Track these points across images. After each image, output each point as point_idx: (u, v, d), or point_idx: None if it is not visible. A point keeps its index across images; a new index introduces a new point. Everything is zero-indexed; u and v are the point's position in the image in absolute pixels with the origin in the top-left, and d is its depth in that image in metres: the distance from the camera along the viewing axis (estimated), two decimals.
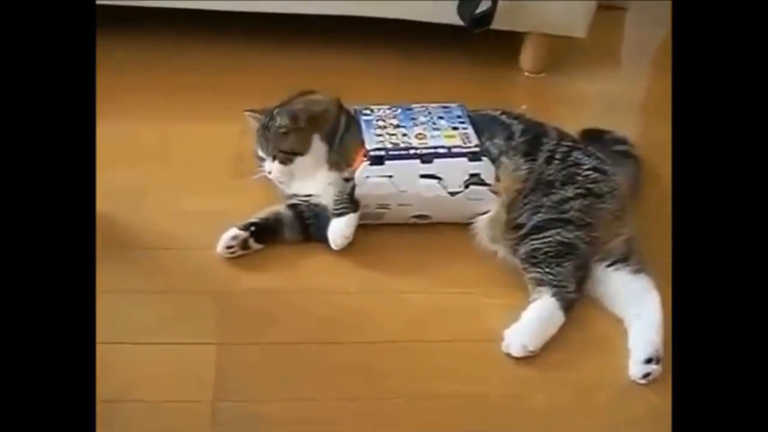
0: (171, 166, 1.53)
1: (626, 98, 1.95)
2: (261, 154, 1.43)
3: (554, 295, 1.25)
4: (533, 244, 1.29)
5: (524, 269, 1.30)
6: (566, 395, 1.18)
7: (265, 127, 1.42)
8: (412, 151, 1.37)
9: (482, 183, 1.36)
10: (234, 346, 1.21)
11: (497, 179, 1.36)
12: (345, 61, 1.87)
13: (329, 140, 1.41)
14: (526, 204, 1.33)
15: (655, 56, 2.16)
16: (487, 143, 1.38)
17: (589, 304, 1.29)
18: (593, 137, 1.55)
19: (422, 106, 1.48)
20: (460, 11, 1.70)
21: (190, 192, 1.46)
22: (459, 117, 1.44)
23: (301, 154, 1.40)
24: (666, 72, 2.01)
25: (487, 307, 1.30)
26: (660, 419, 1.15)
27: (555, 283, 1.26)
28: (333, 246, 1.34)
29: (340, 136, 1.42)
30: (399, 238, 1.40)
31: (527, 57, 1.88)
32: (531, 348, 1.20)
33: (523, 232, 1.31)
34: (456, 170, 1.36)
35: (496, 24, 1.74)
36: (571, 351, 1.23)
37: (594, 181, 1.34)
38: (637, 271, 1.29)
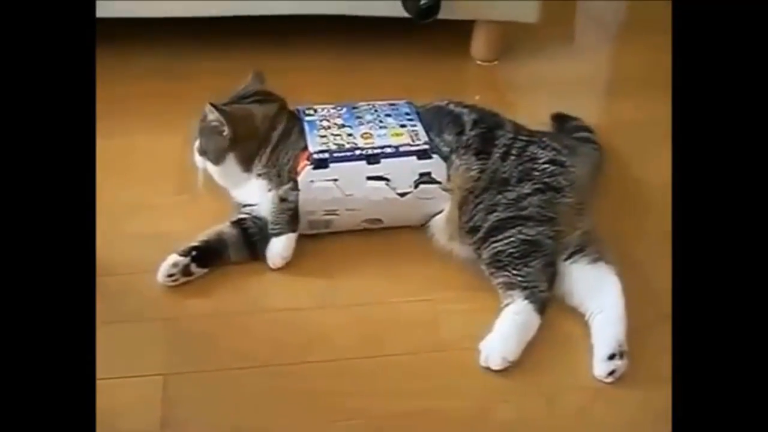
0: (109, 184, 1.43)
1: (581, 81, 1.89)
2: (196, 147, 1.37)
3: (527, 297, 1.19)
4: (495, 247, 1.23)
5: (491, 274, 1.23)
6: (535, 403, 1.14)
7: (202, 119, 1.34)
8: (357, 152, 1.30)
9: (433, 181, 1.30)
10: (181, 376, 1.14)
11: (449, 178, 1.30)
12: (292, 60, 1.78)
13: (249, 157, 1.33)
14: (478, 204, 1.27)
15: (609, 35, 2.12)
16: (437, 139, 1.32)
17: (552, 303, 1.24)
18: (560, 121, 1.52)
19: (368, 104, 1.41)
20: (406, 3, 1.63)
21: (131, 212, 1.39)
22: (407, 114, 1.38)
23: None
24: (623, 49, 2.03)
25: (446, 315, 1.25)
26: (633, 423, 1.12)
27: (525, 284, 1.20)
28: (271, 266, 1.28)
29: (272, 147, 1.32)
30: (351, 246, 1.34)
31: (478, 46, 1.82)
32: (511, 359, 1.15)
33: (480, 235, 1.25)
34: (405, 170, 1.29)
35: (444, 14, 1.67)
36: (536, 354, 1.18)
37: (552, 175, 1.28)
38: (595, 260, 1.24)
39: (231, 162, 1.33)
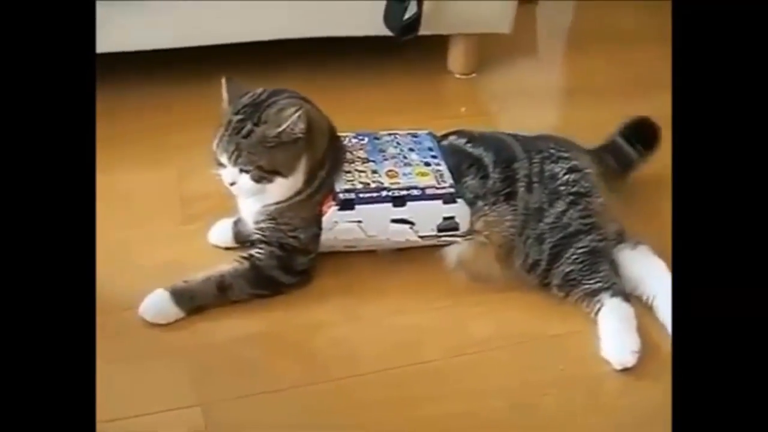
0: (114, 220, 1.39)
1: (552, 86, 1.97)
2: (222, 159, 1.23)
3: (613, 295, 1.23)
4: (562, 270, 1.25)
5: (567, 293, 1.26)
6: (576, 394, 1.15)
7: (236, 129, 1.20)
8: (384, 193, 1.26)
9: (455, 228, 1.29)
10: (220, 404, 1.11)
11: (478, 227, 1.29)
12: (274, 83, 1.79)
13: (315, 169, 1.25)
14: (526, 240, 1.27)
15: (567, 42, 2.20)
16: (462, 182, 1.30)
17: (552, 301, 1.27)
18: None
19: (390, 134, 1.38)
20: (388, 20, 1.66)
21: (140, 244, 1.35)
22: (430, 149, 1.35)
23: (284, 175, 1.23)
24: (580, 54, 2.10)
25: (473, 318, 1.26)
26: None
27: (606, 286, 1.24)
28: None
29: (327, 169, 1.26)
30: (369, 263, 1.32)
31: (456, 59, 1.86)
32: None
33: (543, 266, 1.27)
34: (429, 214, 1.27)
35: (421, 30, 1.70)
36: (571, 346, 1.21)
37: (575, 183, 1.30)
38: (636, 245, 1.30)
39: (302, 165, 1.23)
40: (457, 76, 1.87)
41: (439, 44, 1.86)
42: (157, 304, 1.21)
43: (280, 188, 1.24)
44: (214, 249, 1.35)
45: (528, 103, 1.83)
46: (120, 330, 1.20)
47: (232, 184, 1.23)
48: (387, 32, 1.68)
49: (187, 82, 1.74)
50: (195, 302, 1.22)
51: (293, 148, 1.22)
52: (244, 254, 1.26)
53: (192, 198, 1.45)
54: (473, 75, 1.87)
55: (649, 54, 1.91)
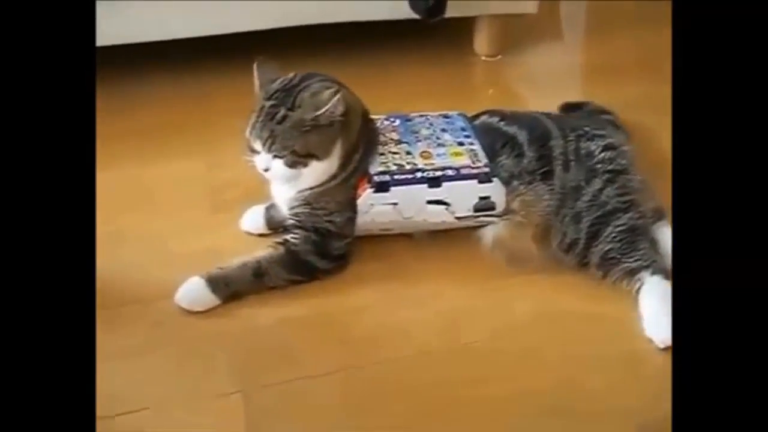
0: (147, 211, 1.40)
1: (577, 66, 1.95)
2: (256, 146, 1.21)
3: (653, 273, 1.20)
4: (601, 249, 1.23)
5: (606, 273, 1.23)
6: (621, 373, 1.13)
7: (269, 114, 1.19)
8: (419, 175, 1.24)
9: (491, 208, 1.27)
10: (261, 390, 1.10)
11: (515, 206, 1.27)
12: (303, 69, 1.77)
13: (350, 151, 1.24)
14: (564, 219, 1.25)
15: (589, 23, 2.17)
16: (496, 161, 1.27)
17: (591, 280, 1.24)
18: (575, 109, 1.51)
19: (422, 116, 1.36)
20: (414, 3, 1.64)
21: (173, 234, 1.34)
22: (463, 129, 1.33)
23: (319, 158, 1.22)
24: (602, 35, 2.07)
25: (516, 300, 1.24)
26: None
27: (646, 264, 1.21)
28: None
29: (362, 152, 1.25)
30: (406, 243, 1.31)
31: (482, 41, 1.84)
32: None
33: (581, 246, 1.24)
34: (465, 194, 1.26)
35: (447, 12, 1.68)
36: (610, 326, 1.19)
37: (611, 161, 1.28)
38: None
39: (337, 150, 1.22)
40: (484, 58, 1.85)
41: (464, 27, 1.84)
42: (193, 291, 1.19)
43: (315, 172, 1.22)
44: (247, 236, 1.34)
45: (555, 84, 1.81)
46: (158, 319, 1.19)
47: (266, 170, 1.22)
48: (413, 16, 1.67)
49: (214, 73, 1.74)
50: (231, 289, 1.20)
51: (329, 131, 1.20)
52: (279, 240, 1.25)
53: (222, 187, 1.45)
54: (499, 57, 1.85)
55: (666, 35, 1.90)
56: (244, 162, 1.25)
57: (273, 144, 1.19)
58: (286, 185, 1.25)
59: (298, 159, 1.20)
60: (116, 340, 1.15)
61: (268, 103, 1.20)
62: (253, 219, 1.35)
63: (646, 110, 1.62)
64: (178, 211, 1.40)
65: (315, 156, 1.20)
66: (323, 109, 1.18)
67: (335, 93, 1.18)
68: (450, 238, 1.31)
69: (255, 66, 1.25)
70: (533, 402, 1.09)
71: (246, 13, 1.63)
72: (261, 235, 1.34)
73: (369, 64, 1.79)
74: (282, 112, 1.19)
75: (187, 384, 1.11)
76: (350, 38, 1.80)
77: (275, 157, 1.20)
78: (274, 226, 1.33)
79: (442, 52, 1.84)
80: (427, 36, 1.81)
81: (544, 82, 1.83)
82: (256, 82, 1.25)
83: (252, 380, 1.11)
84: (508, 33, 1.86)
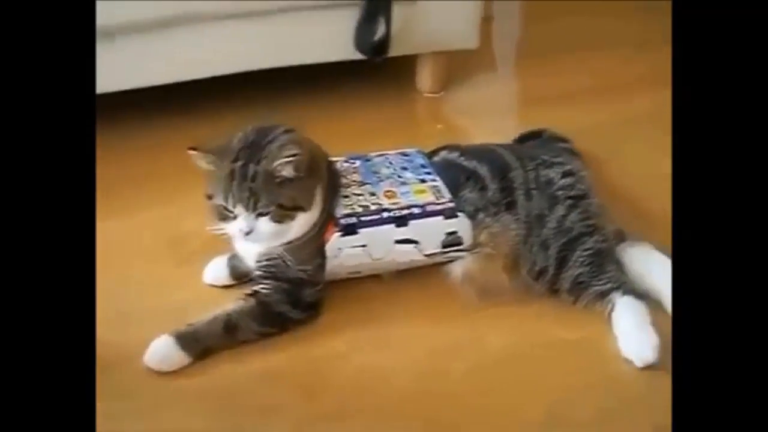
0: (105, 267, 1.30)
1: (518, 97, 2.00)
2: (233, 209, 1.17)
3: (624, 293, 1.22)
4: (571, 274, 1.24)
5: (577, 298, 1.24)
6: (609, 397, 1.14)
7: (242, 175, 1.16)
8: (385, 215, 1.23)
9: (459, 243, 1.27)
10: None
11: (483, 239, 1.27)
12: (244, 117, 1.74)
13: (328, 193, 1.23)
14: (532, 247, 1.26)
15: (519, 53, 2.22)
16: (459, 196, 1.28)
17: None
18: (532, 138, 1.53)
19: (381, 155, 1.35)
20: (359, 42, 1.64)
21: (135, 291, 1.29)
22: (423, 166, 1.33)
23: (305, 209, 1.20)
24: (533, 65, 2.12)
25: (486, 332, 1.24)
26: None
27: (615, 285, 1.23)
28: None
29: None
30: (375, 285, 1.29)
31: (424, 78, 1.85)
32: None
33: (551, 272, 1.25)
34: (432, 231, 1.25)
35: (391, 52, 1.70)
36: (588, 350, 1.20)
37: (571, 187, 1.30)
38: (637, 242, 1.30)
39: (318, 196, 1.21)
40: (427, 95, 1.87)
41: (406, 65, 1.85)
42: (161, 350, 1.14)
43: (300, 224, 1.20)
44: (211, 289, 1.30)
45: (499, 115, 1.84)
46: (126, 382, 1.14)
47: (248, 233, 1.17)
48: (354, 57, 1.67)
49: (161, 124, 1.69)
50: (201, 345, 1.16)
51: (307, 180, 1.19)
52: (248, 291, 1.22)
53: (180, 239, 1.40)
54: (442, 93, 1.87)
55: (593, 59, 1.99)
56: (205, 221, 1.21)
57: (258, 201, 1.16)
58: (268, 242, 1.21)
59: (285, 212, 1.17)
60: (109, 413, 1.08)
61: (238, 165, 1.16)
62: (216, 271, 1.31)
63: (589, 136, 1.66)
64: (137, 266, 1.35)
65: (301, 207, 1.19)
66: (279, 162, 1.16)
67: (296, 148, 1.16)
68: (418, 277, 1.30)
69: (195, 155, 1.18)
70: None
71: (189, 62, 1.61)
72: (226, 287, 1.30)
73: (311, 108, 1.77)
74: (253, 169, 1.16)
75: None
76: (289, 82, 1.79)
77: (259, 215, 1.17)
78: (238, 276, 1.30)
79: (385, 92, 1.84)
80: (369, 77, 1.82)
81: (488, 115, 1.85)
82: (206, 159, 1.19)
83: None
84: (450, 69, 1.88)
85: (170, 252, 1.38)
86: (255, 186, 1.15)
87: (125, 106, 1.65)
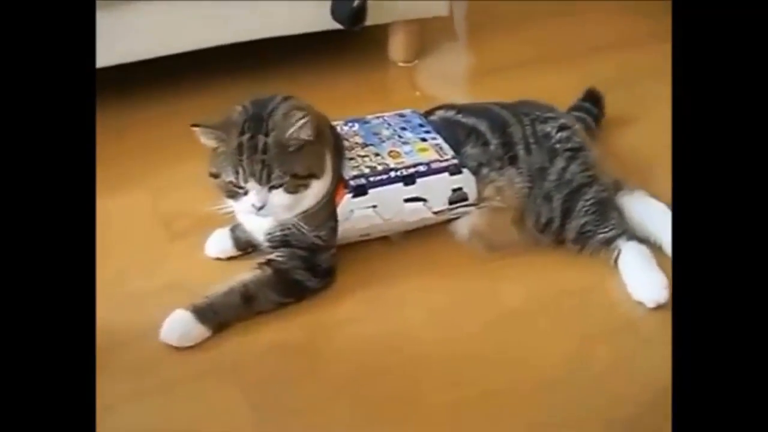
0: (100, 249, 1.28)
1: (488, 64, 1.97)
2: (244, 183, 1.13)
3: (628, 239, 1.25)
4: (576, 224, 1.26)
5: (583, 246, 1.26)
6: (624, 340, 1.16)
7: (251, 147, 1.12)
8: (392, 174, 1.23)
9: (464, 198, 1.27)
10: (276, 419, 1.04)
11: (489, 193, 1.27)
12: (225, 89, 1.69)
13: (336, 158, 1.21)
14: (536, 200, 1.27)
15: (487, 22, 2.21)
16: (461, 152, 1.28)
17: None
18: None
19: (377, 117, 1.34)
20: (336, 12, 1.62)
21: (136, 271, 1.25)
22: (421, 125, 1.32)
23: (318, 176, 1.18)
24: (503, 34, 2.13)
25: (499, 286, 1.25)
26: None
27: (619, 232, 1.25)
28: None
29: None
30: (384, 247, 1.29)
31: (397, 48, 1.84)
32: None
33: (556, 223, 1.27)
34: (439, 187, 1.25)
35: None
36: (598, 297, 1.22)
37: (568, 140, 1.32)
38: (634, 190, 1.32)
39: (329, 162, 1.19)
40: (400, 64, 1.85)
41: (379, 36, 1.83)
42: (180, 325, 1.11)
43: (315, 191, 1.18)
44: (215, 262, 1.27)
45: (476, 82, 1.85)
46: (144, 362, 1.10)
47: (261, 207, 1.14)
48: (335, 26, 1.65)
49: (135, 101, 1.64)
50: (219, 317, 1.13)
51: (317, 146, 1.17)
52: (262, 260, 1.19)
53: (172, 216, 1.36)
54: (415, 62, 1.87)
55: (553, 27, 1.99)
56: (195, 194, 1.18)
57: (271, 172, 1.13)
58: (282, 215, 1.18)
59: (300, 182, 1.15)
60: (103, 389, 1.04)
61: (245, 137, 1.13)
62: (219, 243, 1.28)
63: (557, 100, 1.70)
64: (133, 246, 1.31)
65: (314, 175, 1.17)
66: (293, 129, 1.14)
67: (304, 114, 1.14)
68: (425, 236, 1.30)
69: (198, 131, 1.15)
70: (548, 383, 1.09)
71: (166, 37, 1.56)
72: (230, 259, 1.27)
73: (284, 80, 1.72)
74: (262, 140, 1.13)
75: (194, 425, 1.03)
76: (263, 56, 1.75)
77: (273, 187, 1.14)
78: (243, 246, 1.27)
79: (358, 62, 1.82)
80: (342, 49, 1.80)
81: (464, 81, 1.87)
82: (211, 137, 1.15)
83: (263, 411, 1.05)
84: (421, 38, 1.87)
85: (163, 228, 1.34)
86: (267, 157, 1.12)
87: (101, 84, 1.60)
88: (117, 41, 1.50)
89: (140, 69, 1.58)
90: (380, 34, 1.84)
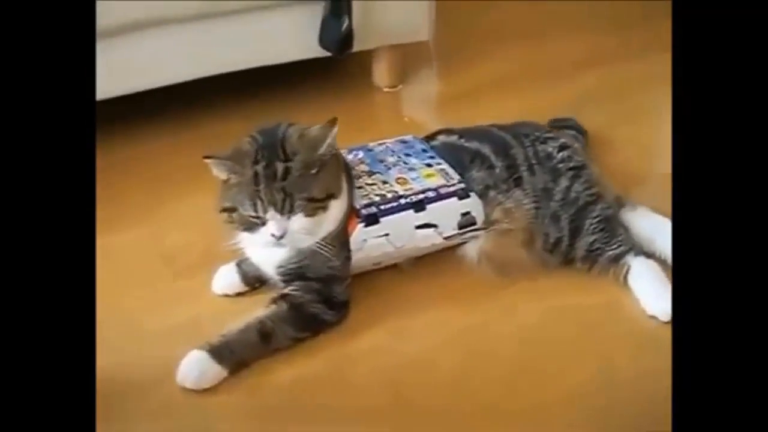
0: (104, 289, 1.22)
1: (472, 86, 1.97)
2: (263, 213, 1.11)
3: (636, 254, 1.25)
4: (585, 242, 1.26)
5: (592, 264, 1.27)
6: (645, 354, 1.16)
7: (269, 176, 1.11)
8: (402, 201, 1.22)
9: (473, 222, 1.26)
10: None
11: (497, 216, 1.27)
12: (208, 121, 1.68)
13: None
14: (543, 220, 1.27)
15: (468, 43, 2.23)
16: (467, 176, 1.27)
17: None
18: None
19: (380, 144, 1.33)
20: (325, 39, 1.61)
21: (142, 311, 1.21)
22: (425, 151, 1.32)
23: (336, 195, 1.16)
24: (483, 54, 2.13)
25: (515, 306, 1.24)
26: None
27: (627, 248, 1.26)
28: None
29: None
30: (395, 275, 1.27)
31: (381, 73, 1.83)
32: None
33: (565, 243, 1.27)
34: (449, 212, 1.24)
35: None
36: (613, 313, 1.22)
37: (570, 159, 1.33)
38: (636, 206, 1.33)
39: (344, 185, 1.18)
40: (385, 90, 1.85)
41: (360, 63, 1.83)
42: (196, 366, 1.07)
43: (334, 213, 1.16)
44: (223, 299, 1.24)
45: (456, 109, 1.82)
46: (161, 408, 1.06)
47: (282, 236, 1.12)
48: (322, 54, 1.64)
49: (130, 138, 1.60)
50: (236, 356, 1.10)
51: (333, 165, 1.16)
52: (276, 295, 1.16)
53: (173, 253, 1.33)
54: (399, 87, 1.86)
55: (537, 46, 2.00)
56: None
57: (293, 201, 1.11)
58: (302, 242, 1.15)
59: (318, 204, 1.13)
60: None
61: (260, 166, 1.11)
62: (226, 279, 1.24)
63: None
64: (137, 285, 1.27)
65: (333, 195, 1.15)
66: (326, 143, 1.13)
67: (327, 123, 1.15)
68: (434, 263, 1.28)
69: (211, 162, 1.13)
70: (581, 403, 1.08)
71: (150, 70, 1.53)
72: (238, 295, 1.24)
73: (271, 109, 1.70)
74: (281, 167, 1.11)
75: None
76: (249, 85, 1.73)
77: (291, 216, 1.12)
78: (251, 282, 1.24)
79: (344, 90, 1.80)
80: (327, 76, 1.79)
81: (450, 105, 1.84)
82: (224, 168, 1.13)
83: None
84: (404, 63, 1.87)
85: (165, 267, 1.30)
86: (287, 184, 1.11)
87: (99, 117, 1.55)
88: (112, 74, 1.47)
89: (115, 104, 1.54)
90: (363, 60, 1.83)
